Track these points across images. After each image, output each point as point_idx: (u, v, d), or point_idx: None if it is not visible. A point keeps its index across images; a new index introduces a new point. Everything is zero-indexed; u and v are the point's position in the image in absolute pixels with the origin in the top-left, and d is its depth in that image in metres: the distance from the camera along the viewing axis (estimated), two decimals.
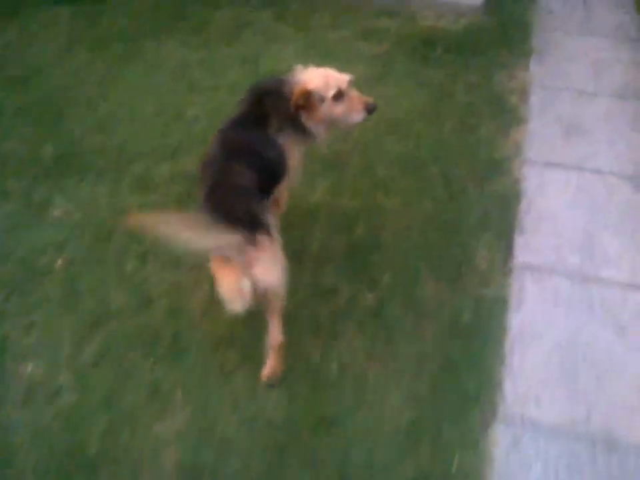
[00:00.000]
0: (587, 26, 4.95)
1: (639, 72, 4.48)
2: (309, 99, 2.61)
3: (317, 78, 2.65)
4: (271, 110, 2.63)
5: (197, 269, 2.98)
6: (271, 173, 2.62)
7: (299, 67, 2.74)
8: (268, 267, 2.25)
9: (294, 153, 2.73)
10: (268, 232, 2.30)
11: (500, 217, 3.33)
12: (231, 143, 2.58)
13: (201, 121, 3.94)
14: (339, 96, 2.65)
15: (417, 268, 3.05)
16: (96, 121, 3.99)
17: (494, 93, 4.25)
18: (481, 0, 5.00)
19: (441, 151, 3.76)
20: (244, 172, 2.44)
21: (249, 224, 2.25)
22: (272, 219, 2.42)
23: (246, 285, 2.18)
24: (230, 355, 2.70)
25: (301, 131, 2.70)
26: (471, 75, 4.39)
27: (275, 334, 2.52)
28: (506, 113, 4.09)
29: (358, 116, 2.71)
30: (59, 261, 3.11)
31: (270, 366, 2.59)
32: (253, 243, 2.21)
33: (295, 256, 2.90)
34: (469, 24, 4.94)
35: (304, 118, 2.67)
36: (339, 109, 2.67)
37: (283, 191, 2.88)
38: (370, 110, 2.70)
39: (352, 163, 3.63)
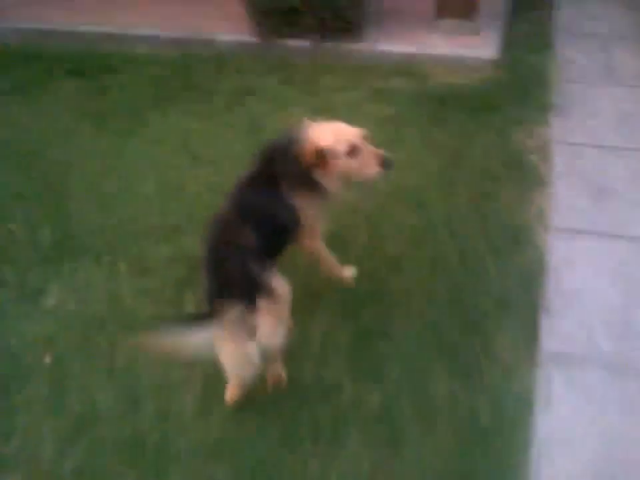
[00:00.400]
0: (609, 75, 4.69)
1: None
2: (321, 157, 2.54)
3: (328, 133, 2.57)
4: (282, 170, 2.60)
5: (189, 366, 2.76)
6: (280, 234, 2.63)
7: (307, 122, 2.65)
8: (271, 330, 2.30)
9: (309, 211, 2.68)
10: (268, 293, 2.31)
11: (523, 297, 3.02)
12: (240, 203, 2.58)
13: (202, 196, 3.77)
14: (352, 151, 2.56)
15: (429, 359, 2.76)
16: (96, 200, 3.86)
17: (512, 154, 3.99)
18: (495, 53, 4.80)
19: (456, 222, 3.50)
20: (248, 234, 2.43)
21: (247, 290, 2.28)
22: (275, 278, 2.40)
23: (252, 349, 2.27)
24: (219, 469, 2.44)
25: (315, 189, 2.64)
26: (487, 135, 4.15)
27: (275, 368, 2.66)
28: (526, 176, 3.82)
29: (372, 171, 2.60)
30: (47, 357, 2.92)
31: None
32: (252, 309, 2.26)
33: (295, 348, 2.69)
34: (483, 79, 4.73)
35: (318, 175, 2.60)
36: (353, 165, 2.58)
37: (310, 242, 2.85)
38: (386, 165, 2.59)
39: (358, 239, 3.38)
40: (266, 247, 2.47)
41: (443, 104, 4.48)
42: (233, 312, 2.23)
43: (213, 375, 2.61)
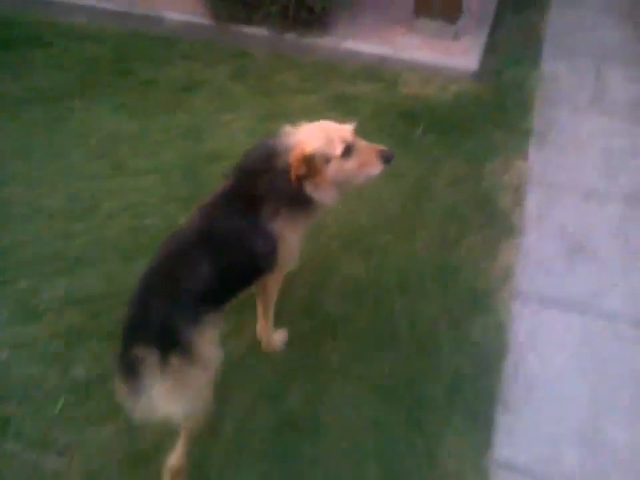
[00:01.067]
0: (598, 100, 4.16)
1: None
2: (311, 165, 2.15)
3: (315, 136, 2.19)
4: (264, 192, 2.19)
5: None
6: (245, 271, 2.25)
7: (287, 128, 2.26)
8: (168, 397, 1.92)
9: (292, 238, 2.30)
10: (185, 351, 1.95)
11: (478, 382, 2.57)
12: (204, 227, 2.16)
13: (117, 218, 3.20)
14: (347, 151, 2.21)
15: (361, 464, 2.29)
16: None
17: (483, 191, 3.48)
18: (475, 63, 4.25)
19: (411, 276, 3.01)
20: (200, 268, 2.06)
21: (161, 341, 1.92)
22: (205, 335, 2.02)
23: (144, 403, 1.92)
24: None
25: (304, 207, 2.27)
26: (457, 164, 3.62)
27: (176, 455, 2.16)
28: (495, 221, 3.32)
29: (374, 169, 2.29)
30: None
31: None
32: (158, 365, 1.90)
33: (200, 441, 2.21)
34: (459, 92, 4.18)
35: (309, 188, 2.21)
36: (349, 166, 2.24)
37: (273, 282, 2.46)
38: (387, 159, 2.29)
39: (293, 294, 2.86)
40: (221, 288, 2.12)
41: (411, 120, 3.91)
42: (141, 361, 1.90)
43: None
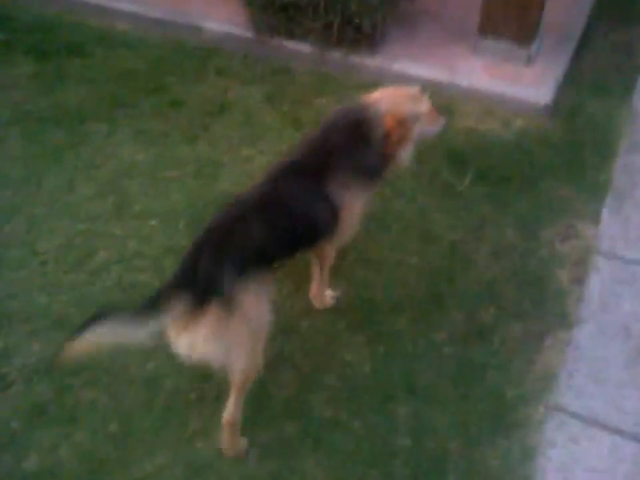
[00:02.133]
0: None
1: None
2: (405, 126, 2.28)
3: (400, 99, 2.36)
4: (342, 159, 2.24)
5: None
6: (304, 236, 2.30)
7: (365, 97, 2.38)
8: (202, 340, 2.00)
9: (356, 208, 2.36)
10: (224, 301, 2.00)
11: None
12: (268, 190, 2.22)
13: (109, 271, 2.91)
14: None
15: None
16: None
17: (534, 264, 2.88)
18: (549, 94, 3.55)
19: (423, 373, 2.53)
20: (256, 226, 2.11)
21: (200, 289, 2.00)
22: (253, 290, 2.07)
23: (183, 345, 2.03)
24: None
25: (374, 178, 2.37)
26: (508, 226, 3.03)
27: (229, 409, 2.22)
28: (544, 306, 2.74)
29: (440, 124, 2.52)
30: None
31: (225, 441, 2.28)
32: (196, 310, 1.98)
33: None
34: (524, 130, 3.51)
35: (396, 149, 2.31)
36: (426, 123, 2.42)
37: (330, 248, 2.51)
38: (443, 116, 2.54)
39: (279, 390, 2.46)
40: (276, 249, 2.19)
41: (460, 163, 3.33)
42: (178, 304, 1.98)
43: None
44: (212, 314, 1.99)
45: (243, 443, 2.33)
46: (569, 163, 3.34)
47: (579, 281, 2.82)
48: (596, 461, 2.29)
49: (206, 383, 2.48)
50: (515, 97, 3.55)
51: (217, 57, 4.18)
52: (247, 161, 3.44)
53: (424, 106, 2.38)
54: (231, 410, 2.21)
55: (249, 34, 4.12)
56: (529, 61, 3.69)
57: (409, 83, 3.74)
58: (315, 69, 4.00)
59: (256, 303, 2.09)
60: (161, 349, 2.17)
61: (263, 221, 2.14)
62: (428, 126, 2.44)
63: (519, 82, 3.64)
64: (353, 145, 2.25)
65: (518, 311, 2.73)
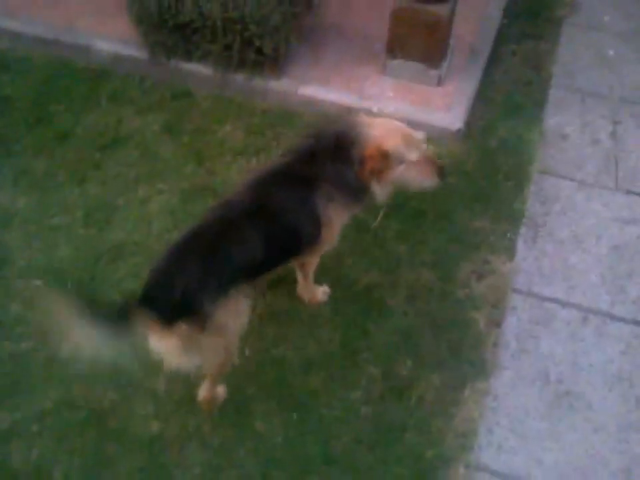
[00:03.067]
0: (612, 171, 3.35)
1: None
2: (386, 162, 2.23)
3: (394, 135, 2.28)
4: (327, 172, 2.23)
5: None
6: (291, 245, 2.30)
7: (364, 118, 2.34)
8: (178, 354, 2.05)
9: (337, 224, 2.36)
10: (202, 319, 2.01)
11: None
12: (259, 197, 2.19)
13: None
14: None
15: None
16: None
17: (450, 308, 2.75)
18: (461, 120, 3.43)
19: (340, 440, 2.36)
20: (245, 238, 2.10)
21: (176, 305, 1.99)
22: (232, 304, 2.08)
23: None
24: None
25: (358, 198, 2.34)
26: (422, 266, 2.89)
27: (204, 388, 2.38)
28: (461, 355, 2.62)
29: (430, 182, 2.41)
30: None
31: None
32: (169, 325, 1.98)
33: None
34: (437, 157, 3.35)
35: (372, 182, 2.28)
36: (414, 173, 2.33)
37: (311, 260, 2.54)
38: (443, 175, 2.42)
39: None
40: (261, 261, 2.15)
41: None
42: (151, 316, 1.96)
43: None
44: (183, 332, 2.00)
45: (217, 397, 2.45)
46: (483, 191, 3.24)
47: (496, 322, 2.73)
48: None
49: None
50: (426, 122, 3.39)
51: (109, 80, 3.80)
52: (144, 203, 3.13)
53: (414, 154, 2.27)
54: (206, 390, 2.38)
55: (143, 55, 3.79)
56: (440, 81, 3.56)
57: (317, 108, 3.60)
58: (217, 93, 3.71)
59: (231, 317, 2.11)
60: None
61: (253, 236, 2.12)
62: (415, 175, 2.33)
63: (430, 104, 3.49)
64: (338, 160, 2.23)
65: (435, 361, 2.61)
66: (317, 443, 2.38)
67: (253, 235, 2.11)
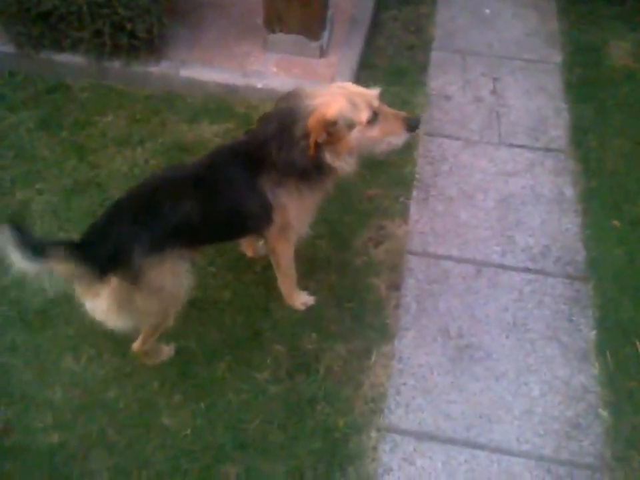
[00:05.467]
0: (495, 127, 3.44)
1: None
2: (332, 131, 2.03)
3: (339, 99, 2.06)
4: (272, 156, 2.09)
5: None
6: (234, 222, 2.25)
7: (306, 90, 2.14)
8: (110, 311, 2.05)
9: (295, 208, 2.23)
10: (133, 275, 2.00)
11: None
12: (208, 173, 2.15)
13: None
14: (372, 118, 2.08)
15: None
16: None
17: (350, 276, 2.77)
18: None
19: (251, 424, 2.34)
20: (180, 203, 2.06)
21: (106, 257, 1.98)
22: (168, 264, 2.07)
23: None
24: None
25: (314, 179, 2.17)
26: (320, 237, 2.88)
27: (138, 342, 2.37)
28: (364, 321, 2.64)
29: (399, 138, 2.18)
30: None
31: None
32: (97, 279, 1.99)
33: None
34: None
35: (327, 156, 2.10)
36: (374, 134, 2.12)
37: (279, 247, 2.42)
38: (412, 126, 2.18)
39: None
40: (199, 230, 2.13)
41: None
42: (82, 267, 1.95)
43: None
44: (115, 285, 1.99)
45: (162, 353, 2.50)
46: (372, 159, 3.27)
47: (395, 286, 2.78)
48: (432, 478, 2.27)
49: None
50: None
51: None
52: (24, 206, 2.95)
53: (364, 113, 2.04)
54: (138, 344, 2.37)
55: (9, 49, 3.54)
56: (322, 52, 3.54)
57: (201, 89, 3.50)
58: (95, 82, 3.55)
59: (167, 277, 2.08)
60: None
61: (191, 199, 2.07)
62: (376, 136, 2.11)
63: (314, 76, 3.47)
64: (280, 140, 2.08)
65: (339, 331, 2.62)
66: (227, 430, 2.34)
67: (190, 199, 2.06)
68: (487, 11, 4.18)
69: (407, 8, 4.10)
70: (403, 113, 2.18)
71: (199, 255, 2.39)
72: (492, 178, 3.19)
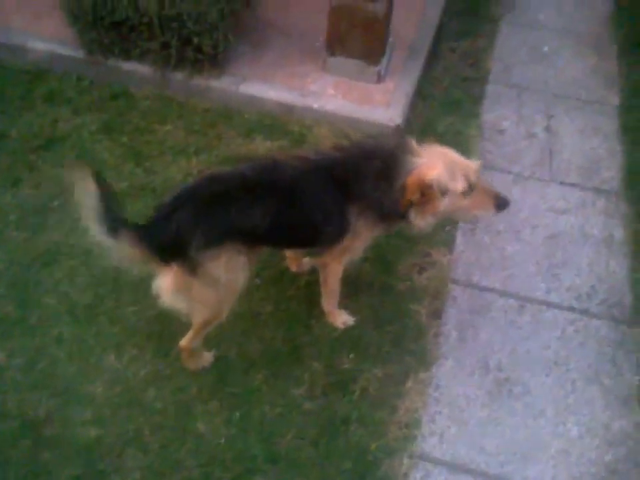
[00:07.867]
0: (547, 164, 3.44)
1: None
2: (426, 193, 2.13)
3: (441, 163, 2.15)
4: (367, 190, 2.20)
5: None
6: (305, 234, 2.33)
7: (412, 142, 2.22)
8: (169, 292, 2.17)
9: (364, 236, 2.34)
10: (192, 264, 2.10)
11: None
12: (296, 183, 2.19)
13: None
14: (467, 189, 2.17)
15: None
16: None
17: (391, 301, 2.77)
18: (400, 115, 3.45)
19: (284, 438, 2.35)
20: (252, 203, 2.13)
21: (168, 246, 2.11)
22: (225, 258, 2.14)
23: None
24: None
25: (391, 221, 2.32)
26: (365, 260, 2.92)
27: (185, 338, 2.41)
28: (403, 347, 2.64)
29: (485, 212, 2.30)
30: None
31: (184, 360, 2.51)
32: (164, 266, 2.14)
33: None
34: None
35: (412, 212, 2.20)
36: (463, 204, 2.21)
37: (331, 266, 2.49)
38: (501, 206, 2.27)
39: None
40: (265, 232, 2.17)
41: None
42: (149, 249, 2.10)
43: None
44: (176, 272, 2.12)
45: (202, 359, 2.55)
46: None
47: (437, 314, 2.77)
48: None
49: None
50: (367, 118, 3.43)
51: (45, 80, 3.72)
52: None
53: (460, 184, 2.14)
54: (186, 340, 2.41)
55: (80, 54, 3.70)
56: (379, 78, 3.59)
57: (258, 106, 3.58)
58: (157, 92, 3.67)
59: (225, 271, 2.15)
60: None
61: (264, 204, 2.14)
62: (464, 206, 2.22)
63: (370, 101, 3.52)
64: (379, 183, 2.19)
65: (378, 353, 2.63)
66: (260, 441, 2.36)
67: (263, 204, 2.14)
68: (545, 48, 4.19)
69: (465, 40, 4.15)
70: (495, 191, 2.28)
71: (257, 253, 2.39)
72: (541, 214, 3.18)
